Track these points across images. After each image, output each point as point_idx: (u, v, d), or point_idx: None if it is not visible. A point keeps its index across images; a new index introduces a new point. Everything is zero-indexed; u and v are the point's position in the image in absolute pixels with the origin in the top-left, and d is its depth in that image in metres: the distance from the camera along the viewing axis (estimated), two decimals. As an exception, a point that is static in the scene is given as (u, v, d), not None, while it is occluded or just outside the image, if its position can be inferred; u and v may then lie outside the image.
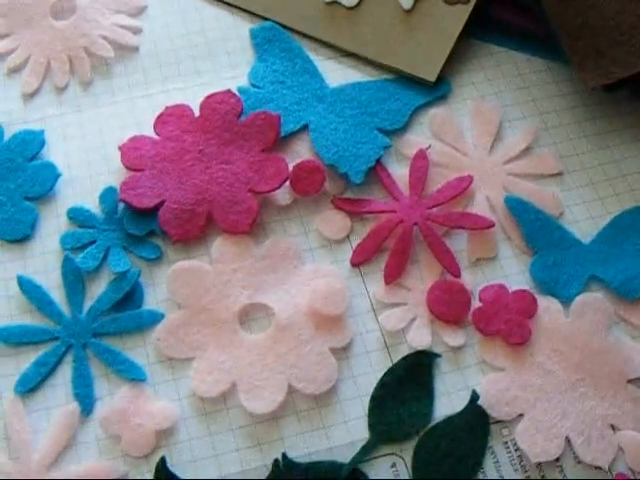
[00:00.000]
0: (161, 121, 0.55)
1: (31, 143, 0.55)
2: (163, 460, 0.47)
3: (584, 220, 0.55)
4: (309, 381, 0.49)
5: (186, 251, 0.52)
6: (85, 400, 0.48)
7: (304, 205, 0.54)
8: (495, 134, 0.57)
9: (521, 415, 0.49)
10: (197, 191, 0.52)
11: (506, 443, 0.49)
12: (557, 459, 0.48)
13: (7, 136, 0.55)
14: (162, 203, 0.52)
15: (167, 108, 0.55)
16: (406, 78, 0.58)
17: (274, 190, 0.52)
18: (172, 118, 0.55)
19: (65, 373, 0.49)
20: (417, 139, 0.56)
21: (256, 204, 0.52)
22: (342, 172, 0.54)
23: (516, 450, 0.49)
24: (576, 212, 0.56)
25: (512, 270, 0.53)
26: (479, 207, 0.54)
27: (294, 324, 0.50)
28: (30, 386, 0.49)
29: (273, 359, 0.49)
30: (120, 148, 0.54)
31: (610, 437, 0.49)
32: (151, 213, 0.52)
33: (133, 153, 0.53)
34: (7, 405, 0.48)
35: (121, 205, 0.53)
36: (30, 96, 0.57)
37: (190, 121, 0.54)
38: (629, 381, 0.50)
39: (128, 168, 0.53)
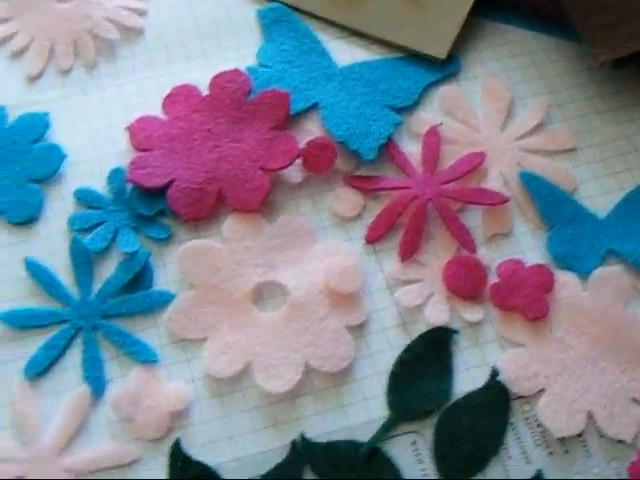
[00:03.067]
0: (169, 101, 0.54)
1: (35, 125, 0.54)
2: (178, 442, 0.46)
3: (598, 195, 0.55)
4: (326, 359, 0.48)
5: (196, 230, 0.51)
6: (96, 383, 0.47)
7: (315, 183, 0.53)
8: (507, 111, 0.57)
9: (542, 390, 0.48)
10: (207, 169, 0.51)
11: (527, 419, 0.48)
12: (580, 434, 0.48)
13: (11, 119, 0.54)
14: (171, 182, 0.51)
15: (175, 88, 0.54)
16: (415, 56, 0.57)
17: (285, 167, 0.52)
18: (180, 98, 0.54)
19: (75, 356, 0.48)
20: (428, 116, 0.56)
21: (267, 181, 0.51)
22: (353, 149, 0.53)
23: (538, 426, 0.48)
24: (589, 188, 0.55)
25: (528, 245, 0.53)
26: (493, 183, 0.54)
27: (309, 302, 0.49)
28: (39, 370, 0.47)
29: (288, 337, 0.48)
30: (128, 129, 0.53)
31: (633, 410, 0.48)
32: (160, 193, 0.51)
33: (141, 133, 0.52)
34: (16, 389, 0.47)
35: (129, 185, 0.52)
36: (34, 79, 0.56)
37: (198, 100, 0.54)
38: (649, 354, 0.50)
39: (136, 148, 0.52)
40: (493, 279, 0.51)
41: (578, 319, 0.50)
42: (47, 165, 0.53)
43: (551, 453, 0.47)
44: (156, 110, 0.54)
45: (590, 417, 0.48)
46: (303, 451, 0.46)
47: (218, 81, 0.54)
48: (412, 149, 0.54)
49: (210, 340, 0.48)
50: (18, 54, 0.57)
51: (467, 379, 0.49)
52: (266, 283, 0.50)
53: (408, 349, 0.49)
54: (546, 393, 0.48)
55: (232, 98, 0.53)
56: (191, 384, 0.48)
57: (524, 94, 0.58)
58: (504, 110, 0.56)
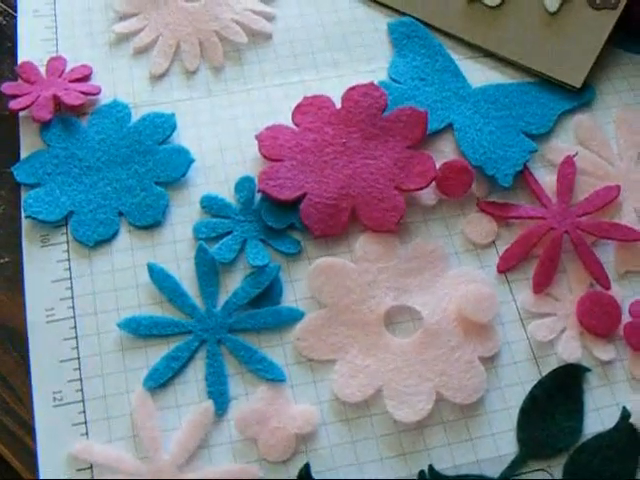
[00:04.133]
0: (300, 111, 0.53)
1: (161, 126, 0.53)
2: (307, 467, 0.44)
3: None
4: (458, 390, 0.46)
5: (326, 247, 0.50)
6: (219, 399, 0.46)
7: (448, 206, 0.52)
8: (641, 144, 0.55)
9: (673, 436, 0.47)
10: (340, 185, 0.50)
11: (657, 464, 0.47)
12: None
13: (135, 118, 0.53)
14: (303, 196, 0.49)
15: (306, 98, 0.53)
16: (549, 82, 0.56)
17: (422, 189, 0.50)
18: (312, 109, 0.52)
19: (197, 370, 0.47)
20: (563, 145, 0.55)
21: (403, 202, 0.50)
22: (489, 174, 0.52)
23: (666, 472, 0.47)
24: None
25: (660, 285, 0.51)
26: (627, 218, 0.53)
27: (443, 329, 0.48)
28: (161, 381, 0.46)
29: (421, 365, 0.47)
30: (257, 137, 0.51)
31: None
32: (291, 206, 0.49)
33: (271, 142, 0.51)
34: (136, 400, 0.45)
35: (258, 196, 0.50)
36: (158, 78, 0.55)
37: (331, 113, 0.52)
38: None
39: (266, 158, 0.51)
40: (626, 318, 0.49)
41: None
42: (174, 168, 0.51)
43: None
44: (285, 119, 0.53)
45: None
46: (431, 482, 0.45)
47: (352, 94, 0.53)
48: (546, 178, 0.53)
49: (339, 362, 0.47)
50: (143, 51, 0.56)
51: (597, 419, 0.48)
52: (398, 307, 0.48)
53: (539, 385, 0.48)
54: (673, 440, 0.47)
55: (367, 113, 0.52)
56: (318, 406, 0.46)
57: (658, 128, 0.57)
58: (638, 143, 0.55)
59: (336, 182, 0.50)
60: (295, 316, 0.48)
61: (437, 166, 0.51)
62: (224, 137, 0.53)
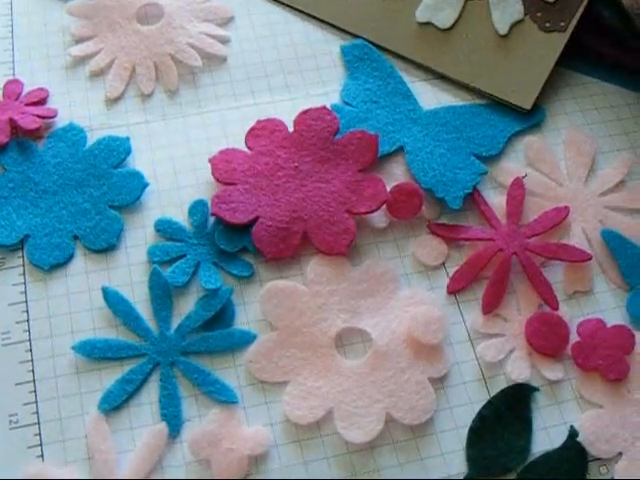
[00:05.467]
0: (253, 135, 0.53)
1: (116, 150, 0.53)
2: (261, 488, 0.45)
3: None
4: (408, 411, 0.47)
5: (279, 270, 0.51)
6: (173, 421, 0.46)
7: (398, 229, 0.53)
8: (590, 165, 0.56)
9: (620, 454, 0.48)
10: (292, 209, 0.50)
11: (604, 482, 0.48)
12: (656, 500, 0.47)
13: (90, 141, 0.53)
14: (255, 219, 0.50)
15: (259, 122, 0.54)
16: (500, 104, 0.57)
17: (372, 212, 0.51)
18: (265, 132, 0.53)
19: (151, 392, 0.47)
20: (512, 166, 0.55)
21: (354, 225, 0.50)
22: (439, 197, 0.52)
23: (614, 489, 0.47)
24: (672, 249, 0.55)
25: (608, 305, 0.52)
26: (576, 239, 0.53)
27: (393, 351, 0.48)
28: (115, 404, 0.47)
29: (371, 386, 0.47)
30: (210, 160, 0.52)
31: None
32: (243, 229, 0.50)
33: (224, 166, 0.52)
34: (90, 423, 0.46)
35: (212, 219, 0.51)
36: (114, 101, 0.56)
37: (284, 136, 0.53)
38: None
39: (219, 181, 0.51)
40: (574, 337, 0.50)
41: (656, 382, 0.50)
42: (128, 192, 0.52)
43: (624, 519, 0.47)
44: (238, 142, 0.53)
45: (669, 484, 0.48)
46: (382, 503, 0.46)
47: (304, 118, 0.53)
48: (495, 200, 0.54)
49: (291, 384, 0.47)
50: (98, 74, 0.56)
51: (545, 438, 0.48)
52: (349, 329, 0.49)
53: (488, 404, 0.49)
54: (624, 457, 0.48)
55: (319, 136, 0.53)
56: (269, 428, 0.47)
57: (607, 148, 0.58)
58: (587, 164, 0.56)
59: (288, 205, 0.51)
60: (247, 339, 0.49)
61: (388, 189, 0.52)
62: (178, 160, 0.54)
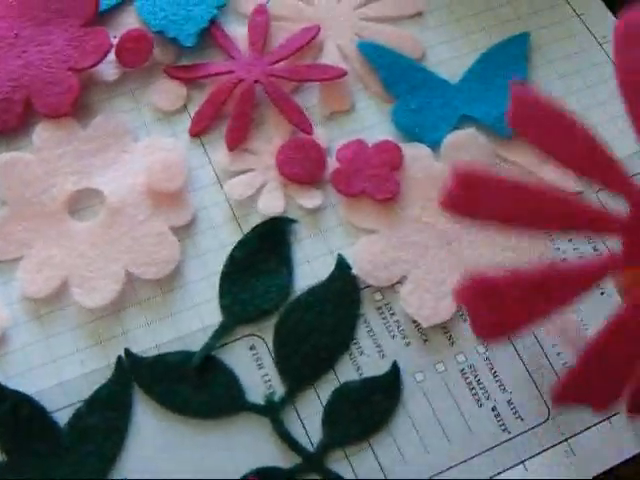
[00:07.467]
0: (-28, 9, 0.49)
1: None
2: None
3: (449, 60, 0.50)
4: (148, 265, 0.43)
5: (6, 143, 0.47)
6: None
7: (134, 78, 0.49)
8: (343, -21, 0.51)
9: (404, 278, 0.43)
10: (12, 77, 0.47)
11: (380, 309, 0.44)
12: (441, 322, 0.43)
13: None
14: (-13, 95, 0.46)
15: (-23, -6, 0.50)
16: None
17: (96, 65, 0.47)
18: (-17, 5, 0.49)
19: None
20: (253, -6, 0.51)
21: (77, 82, 0.46)
22: (171, 37, 0.48)
23: (392, 315, 0.43)
24: (440, 52, 0.50)
25: (372, 121, 0.48)
26: (329, 58, 0.49)
27: (128, 206, 0.44)
28: None
29: (107, 246, 0.44)
30: None
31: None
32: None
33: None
34: None
35: None
36: None
37: (4, 7, 0.49)
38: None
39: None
40: (333, 162, 0.46)
41: (432, 193, 0.45)
42: None
43: (409, 344, 0.43)
44: (-39, 23, 0.49)
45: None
46: (129, 367, 0.42)
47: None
48: (238, 31, 0.50)
49: (25, 259, 0.44)
50: None
51: (310, 271, 0.44)
52: (81, 191, 0.45)
53: (240, 245, 0.44)
54: (408, 280, 0.44)
55: (39, -1, 0.49)
56: (8, 308, 0.43)
57: (361, -40, 0.52)
58: (344, -22, 0.51)
59: (7, 75, 0.47)
60: (-24, 219, 0.45)
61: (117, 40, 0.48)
62: None
